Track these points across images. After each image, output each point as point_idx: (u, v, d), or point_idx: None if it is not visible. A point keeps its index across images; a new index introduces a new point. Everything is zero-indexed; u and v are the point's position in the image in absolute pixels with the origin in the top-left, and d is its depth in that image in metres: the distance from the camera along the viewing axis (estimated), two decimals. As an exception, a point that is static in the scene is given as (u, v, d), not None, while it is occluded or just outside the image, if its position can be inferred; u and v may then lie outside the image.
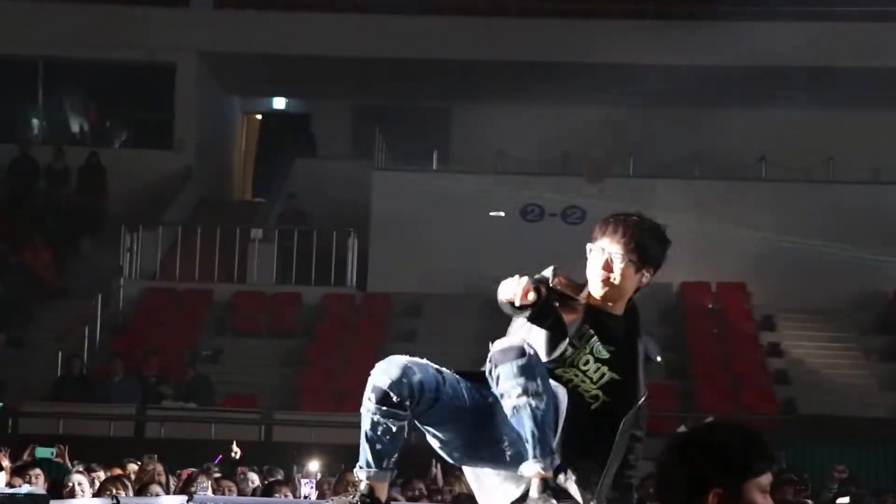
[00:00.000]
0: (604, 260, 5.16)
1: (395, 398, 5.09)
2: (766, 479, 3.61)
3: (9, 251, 26.14)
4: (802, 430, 20.67)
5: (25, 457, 12.76)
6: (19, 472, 10.64)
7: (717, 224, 25.40)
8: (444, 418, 5.23)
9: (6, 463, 12.09)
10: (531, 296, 5.06)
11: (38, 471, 11.31)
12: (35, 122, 30.23)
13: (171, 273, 26.14)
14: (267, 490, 12.18)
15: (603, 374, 5.23)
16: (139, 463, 14.09)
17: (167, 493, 11.39)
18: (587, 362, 5.23)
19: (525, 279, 5.16)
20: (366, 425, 5.14)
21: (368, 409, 5.12)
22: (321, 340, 24.77)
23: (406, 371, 5.15)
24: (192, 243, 26.02)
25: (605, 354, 5.21)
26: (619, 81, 26.90)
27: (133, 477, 12.79)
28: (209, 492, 11.57)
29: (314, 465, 14.25)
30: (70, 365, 22.98)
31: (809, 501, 12.28)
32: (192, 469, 13.70)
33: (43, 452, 13.24)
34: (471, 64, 27.21)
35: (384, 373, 5.16)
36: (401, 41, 27.09)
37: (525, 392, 4.91)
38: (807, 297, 25.16)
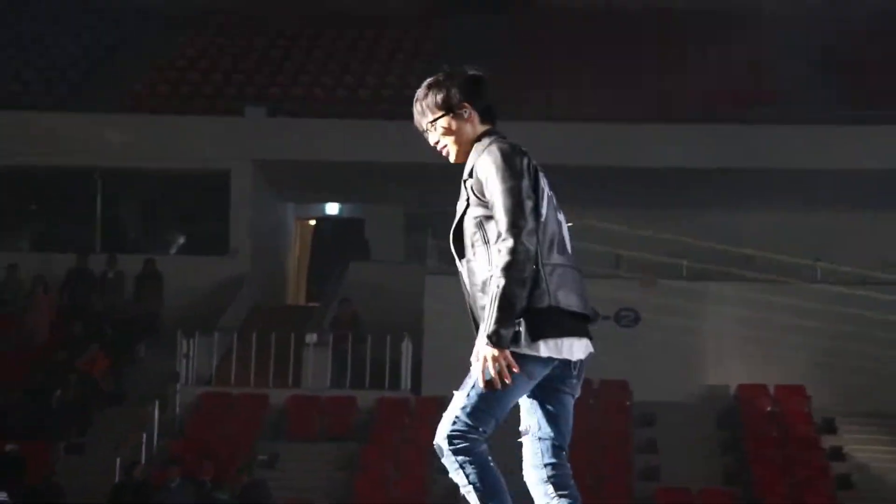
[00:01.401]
0: (430, 141, 5.23)
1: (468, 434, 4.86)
2: None
3: (67, 359, 25.87)
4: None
5: None
6: None
7: (773, 327, 25.09)
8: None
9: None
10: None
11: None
12: (92, 230, 29.97)
13: (226, 378, 25.81)
14: None
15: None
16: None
17: None
18: None
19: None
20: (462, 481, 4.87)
21: (455, 465, 4.84)
22: (376, 444, 24.33)
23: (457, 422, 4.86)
24: (247, 348, 25.64)
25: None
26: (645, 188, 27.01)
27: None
28: None
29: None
30: (128, 470, 22.62)
31: None
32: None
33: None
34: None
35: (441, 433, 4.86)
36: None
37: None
38: (868, 400, 24.61)
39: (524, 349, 4.77)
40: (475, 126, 5.07)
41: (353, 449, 24.25)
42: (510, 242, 4.70)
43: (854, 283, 25.62)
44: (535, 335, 4.78)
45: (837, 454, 23.67)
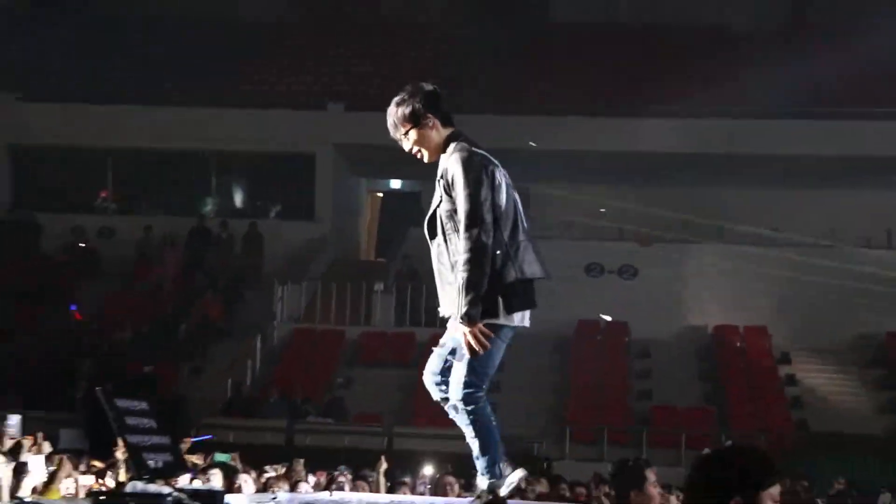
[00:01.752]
0: (405, 148, 5.37)
1: (475, 392, 5.17)
2: (775, 490, 3.66)
3: (189, 301, 26.54)
4: (813, 445, 20.50)
5: (206, 461, 12.74)
6: (202, 472, 10.70)
7: (742, 281, 25.32)
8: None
9: (198, 461, 12.22)
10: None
11: (216, 471, 11.51)
12: (208, 200, 30.42)
13: (312, 318, 26.17)
14: (391, 489, 12.38)
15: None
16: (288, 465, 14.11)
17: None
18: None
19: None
20: (474, 436, 5.22)
21: (468, 420, 5.21)
22: None
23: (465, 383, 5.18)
24: (329, 294, 26.05)
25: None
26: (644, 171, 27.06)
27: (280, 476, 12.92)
28: (346, 488, 11.77)
29: (428, 470, 14.28)
30: (237, 389, 23.34)
31: (819, 500, 12.23)
32: (329, 471, 13.87)
33: (221, 457, 13.41)
34: (544, 153, 27.32)
35: (455, 396, 5.22)
36: (491, 134, 27.08)
37: None
38: (815, 338, 24.96)
39: (502, 320, 5.12)
40: (440, 131, 5.23)
41: (413, 374, 24.01)
42: (471, 239, 4.95)
43: (804, 246, 25.55)
44: (510, 309, 5.10)
45: (791, 380, 24.07)
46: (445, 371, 5.36)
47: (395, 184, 32.57)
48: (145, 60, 30.35)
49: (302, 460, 14.46)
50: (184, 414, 20.58)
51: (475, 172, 5.08)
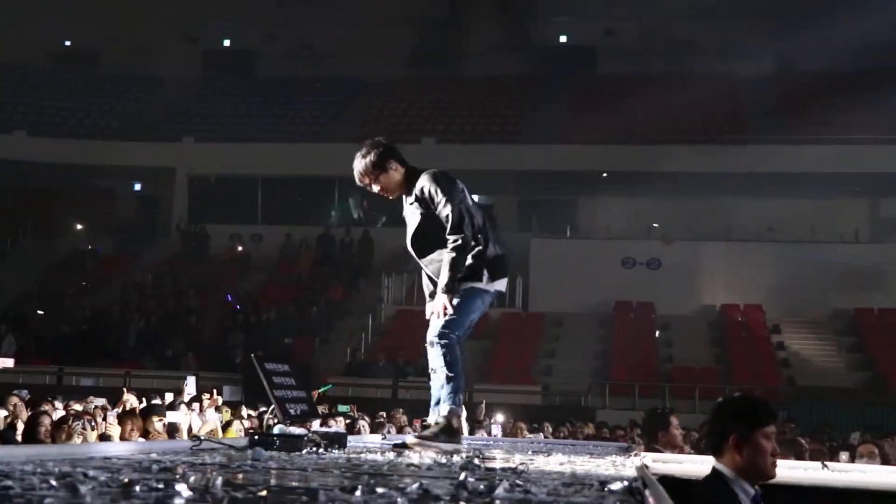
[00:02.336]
0: (373, 190, 4.96)
1: (448, 333, 4.75)
2: (770, 428, 3.61)
3: (321, 288, 26.70)
4: (798, 396, 20.27)
5: (330, 410, 12.88)
6: (327, 419, 10.82)
7: (743, 269, 25.00)
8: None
9: (324, 410, 12.40)
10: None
11: (340, 419, 11.64)
12: (332, 213, 30.50)
13: (411, 301, 25.35)
14: (470, 431, 12.39)
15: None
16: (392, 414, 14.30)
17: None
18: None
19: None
20: (443, 366, 4.75)
21: (440, 352, 4.73)
22: (500, 341, 24.52)
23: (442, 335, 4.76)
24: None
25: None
26: (665, 185, 26.68)
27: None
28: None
29: (500, 417, 14.29)
30: (354, 355, 23.46)
31: (801, 439, 12.03)
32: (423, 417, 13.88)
33: (342, 408, 13.61)
34: (587, 174, 27.30)
35: (431, 334, 4.80)
36: (546, 160, 27.22)
37: None
38: (800, 312, 24.63)
39: (485, 285, 4.86)
40: (399, 171, 4.88)
41: (487, 344, 24.17)
42: (458, 236, 4.71)
43: (791, 242, 25.29)
44: (493, 277, 4.85)
45: (781, 346, 23.73)
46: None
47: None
48: (286, 108, 30.89)
49: (401, 410, 14.59)
50: (314, 374, 20.47)
51: (448, 184, 4.82)
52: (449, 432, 4.69)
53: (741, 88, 27.68)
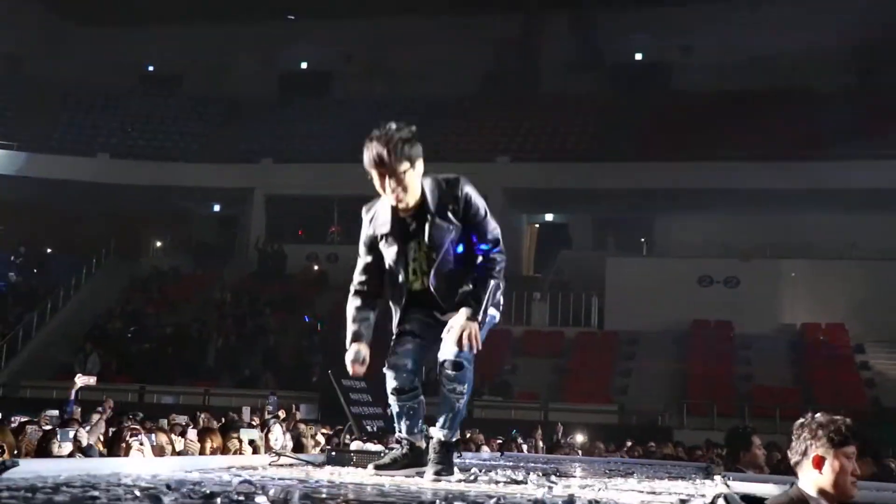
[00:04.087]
0: (386, 185, 3.80)
1: (407, 388, 4.08)
2: (850, 448, 3.61)
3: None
4: (883, 416, 19.74)
5: None
6: None
7: (824, 286, 24.51)
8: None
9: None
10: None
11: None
12: None
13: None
14: (549, 451, 12.36)
15: (426, 258, 3.96)
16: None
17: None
18: (415, 259, 3.99)
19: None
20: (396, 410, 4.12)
21: (465, 375, 3.97)
22: (577, 360, 24.46)
23: (402, 368, 4.07)
24: None
25: (425, 245, 3.91)
26: (743, 202, 26.34)
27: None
28: (515, 450, 11.77)
29: (580, 437, 14.20)
30: (427, 375, 23.14)
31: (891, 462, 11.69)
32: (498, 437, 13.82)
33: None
34: (664, 191, 27.04)
35: (392, 379, 4.08)
36: (622, 178, 27.07)
37: None
38: (884, 332, 23.88)
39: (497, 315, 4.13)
40: (419, 173, 3.87)
41: (562, 363, 24.40)
42: (501, 256, 3.97)
43: (874, 260, 24.73)
44: (497, 307, 4.13)
45: (865, 366, 23.24)
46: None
47: (549, 217, 32.45)
48: (362, 129, 31.10)
49: (477, 429, 14.21)
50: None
51: (483, 200, 4.01)
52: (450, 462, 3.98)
53: (820, 104, 27.05)
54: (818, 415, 3.78)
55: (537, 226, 32.49)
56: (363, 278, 4.12)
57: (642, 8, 31.59)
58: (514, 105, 31.97)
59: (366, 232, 4.10)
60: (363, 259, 4.14)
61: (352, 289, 4.13)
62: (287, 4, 33.10)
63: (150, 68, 36.03)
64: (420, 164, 3.84)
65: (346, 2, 31.72)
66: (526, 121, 31.39)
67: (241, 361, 24.22)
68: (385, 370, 4.05)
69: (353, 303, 4.11)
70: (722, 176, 25.88)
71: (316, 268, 29.69)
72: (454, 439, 4.01)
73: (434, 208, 3.87)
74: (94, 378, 10.90)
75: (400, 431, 4.11)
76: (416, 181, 3.84)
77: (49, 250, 31.57)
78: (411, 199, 3.85)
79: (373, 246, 4.09)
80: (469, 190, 3.91)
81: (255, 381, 22.98)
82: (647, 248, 27.79)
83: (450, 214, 3.89)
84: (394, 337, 4.10)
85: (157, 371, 23.27)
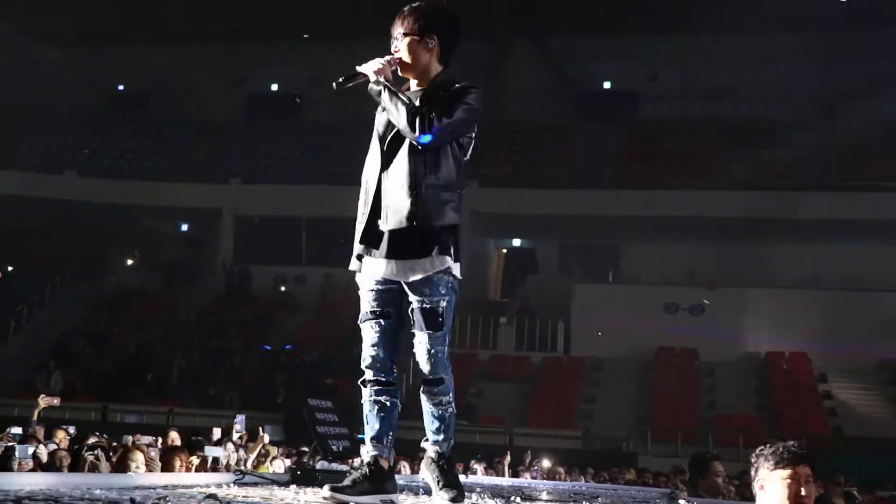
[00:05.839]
0: (394, 47, 3.79)
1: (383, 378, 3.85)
2: (787, 471, 3.60)
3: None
4: (844, 446, 19.94)
5: None
6: None
7: (787, 316, 24.57)
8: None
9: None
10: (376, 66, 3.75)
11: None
12: None
13: (452, 343, 25.66)
14: (514, 475, 12.32)
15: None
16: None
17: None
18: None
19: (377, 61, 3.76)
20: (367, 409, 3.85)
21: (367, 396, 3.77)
22: (542, 385, 24.39)
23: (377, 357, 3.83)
24: (465, 325, 25.54)
25: None
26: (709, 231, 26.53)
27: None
28: (479, 474, 11.69)
29: (546, 462, 14.18)
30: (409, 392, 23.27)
31: (854, 491, 11.80)
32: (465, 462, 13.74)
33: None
34: (631, 219, 27.14)
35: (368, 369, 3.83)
36: (587, 206, 27.15)
37: None
38: (846, 362, 24.05)
39: (458, 272, 3.95)
40: (432, 58, 3.78)
41: (528, 387, 24.32)
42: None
43: (837, 290, 25.04)
44: (457, 258, 3.94)
45: (828, 395, 23.34)
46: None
47: (516, 242, 32.48)
48: (330, 151, 31.06)
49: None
50: (357, 416, 20.40)
51: (479, 106, 3.81)
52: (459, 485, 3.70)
53: (783, 135, 27.42)
54: (768, 443, 3.88)
55: (505, 251, 32.49)
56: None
57: (608, 36, 31.80)
58: (483, 131, 31.79)
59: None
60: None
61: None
62: (258, 26, 33.00)
63: (121, 87, 35.79)
64: (434, 44, 3.75)
65: (316, 24, 31.68)
66: (494, 146, 31.42)
67: (206, 381, 23.98)
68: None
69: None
70: (688, 204, 26.06)
71: (283, 289, 29.52)
72: (452, 449, 3.83)
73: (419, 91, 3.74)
74: (58, 399, 10.75)
75: (364, 443, 3.82)
76: (422, 56, 3.76)
77: (10, 268, 31.13)
78: (403, 66, 3.79)
79: None
80: (468, 86, 3.76)
81: (220, 401, 22.76)
82: (614, 274, 27.86)
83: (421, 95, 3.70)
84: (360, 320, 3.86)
85: (121, 390, 22.99)
